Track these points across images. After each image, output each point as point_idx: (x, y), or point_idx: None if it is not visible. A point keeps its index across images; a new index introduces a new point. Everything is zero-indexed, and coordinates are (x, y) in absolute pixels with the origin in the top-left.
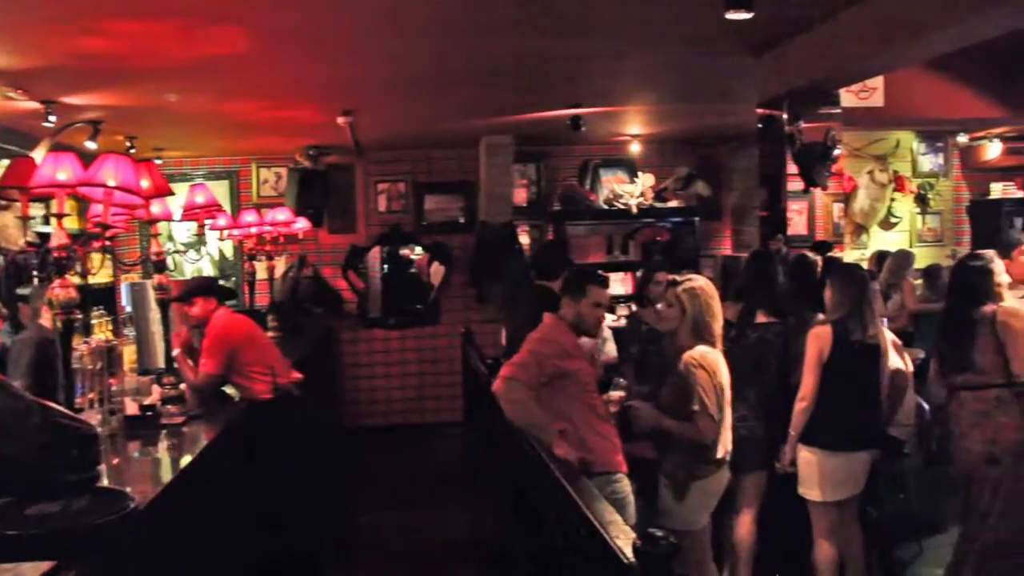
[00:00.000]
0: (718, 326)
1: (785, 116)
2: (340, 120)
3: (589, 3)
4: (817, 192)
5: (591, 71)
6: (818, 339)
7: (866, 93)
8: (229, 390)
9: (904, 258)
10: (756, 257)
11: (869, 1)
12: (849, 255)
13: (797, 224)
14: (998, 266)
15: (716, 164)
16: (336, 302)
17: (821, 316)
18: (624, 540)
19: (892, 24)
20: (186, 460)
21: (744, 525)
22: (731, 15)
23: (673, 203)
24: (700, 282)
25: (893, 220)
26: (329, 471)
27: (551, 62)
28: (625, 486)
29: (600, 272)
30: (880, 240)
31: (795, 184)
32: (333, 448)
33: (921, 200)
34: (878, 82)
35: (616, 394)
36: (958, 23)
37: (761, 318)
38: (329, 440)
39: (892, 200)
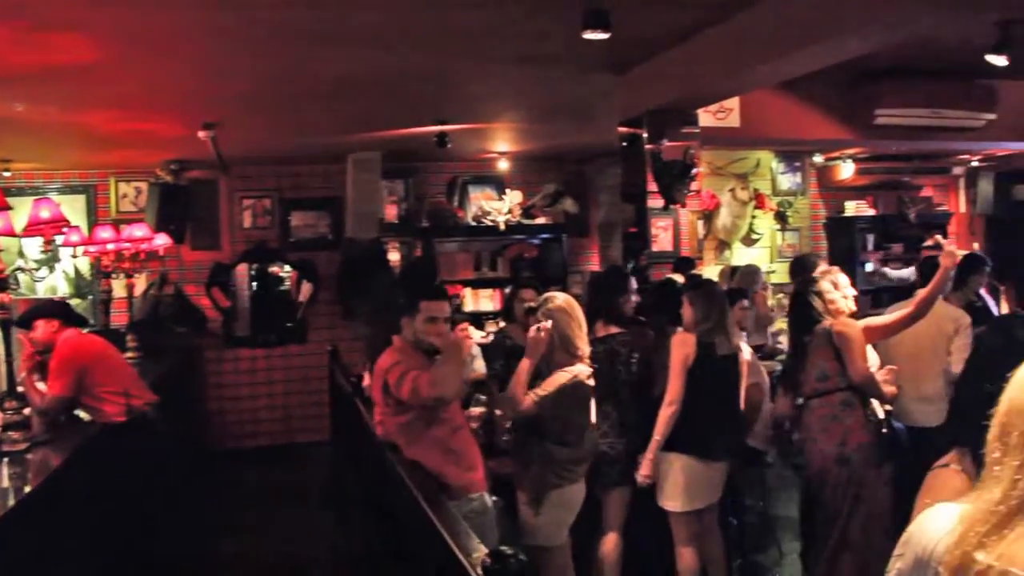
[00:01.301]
0: (583, 342)
1: (645, 135)
2: (201, 134)
3: (448, 20)
4: (682, 209)
5: (455, 88)
6: (683, 345)
7: (723, 114)
8: (82, 413)
9: (752, 273)
10: (598, 273)
11: (724, 24)
12: (712, 271)
13: (663, 241)
14: (840, 280)
15: (584, 181)
16: (200, 321)
17: (680, 329)
18: (475, 559)
19: (746, 47)
20: (29, 488)
21: (609, 542)
22: (588, 35)
23: (541, 220)
24: (560, 300)
25: (754, 236)
26: (193, 495)
27: (415, 78)
28: (484, 503)
29: (440, 285)
30: (742, 256)
31: (657, 201)
32: (198, 471)
33: (780, 217)
34: (735, 103)
35: (476, 410)
36: (806, 48)
37: (601, 330)
38: (193, 463)
39: (753, 217)
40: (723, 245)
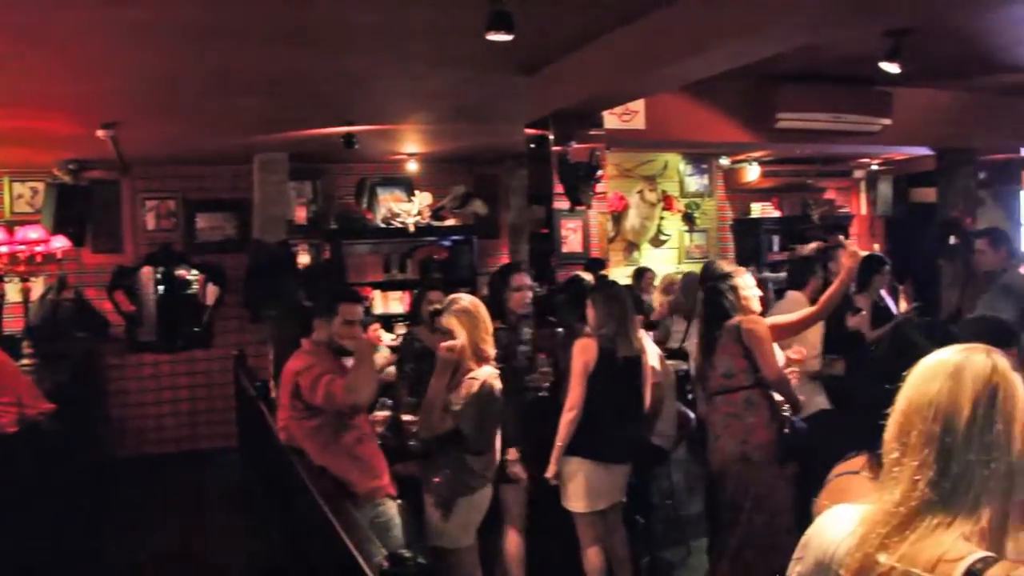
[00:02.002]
0: (489, 344)
1: (552, 137)
2: (100, 133)
3: (352, 19)
4: (592, 211)
5: (361, 88)
6: (585, 351)
7: (628, 116)
8: None
9: (643, 275)
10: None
11: (627, 27)
12: (621, 272)
13: (572, 242)
14: (746, 280)
15: (494, 183)
16: (101, 326)
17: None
18: (376, 563)
19: (649, 50)
20: None
21: (512, 539)
22: (492, 36)
23: (451, 221)
24: (465, 302)
25: (663, 238)
26: (95, 503)
27: (320, 78)
28: (390, 508)
29: (352, 288)
30: (651, 257)
31: (563, 203)
32: (100, 480)
33: (688, 219)
34: (640, 105)
35: (381, 414)
36: (708, 52)
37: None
38: (95, 471)
39: (661, 218)
40: (632, 246)
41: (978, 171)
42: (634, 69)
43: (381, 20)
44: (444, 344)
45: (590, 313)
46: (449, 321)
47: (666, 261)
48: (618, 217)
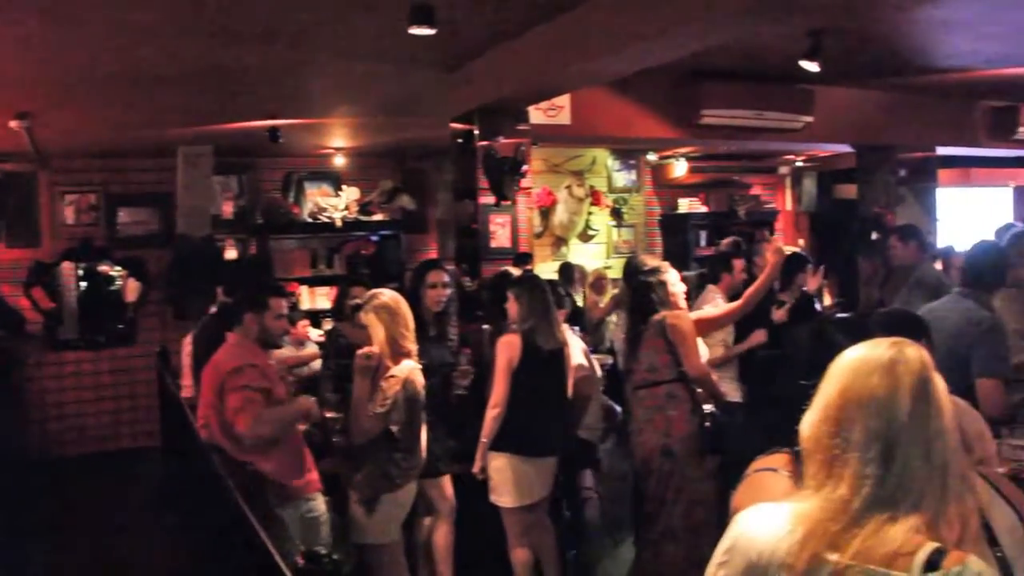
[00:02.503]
0: (410, 340)
1: (477, 131)
2: (13, 124)
3: (275, 11)
4: (520, 206)
5: (286, 82)
6: (508, 347)
7: (554, 111)
8: None
9: (572, 270)
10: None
11: (551, 22)
12: (550, 267)
13: (501, 237)
14: (671, 276)
15: (422, 178)
16: (18, 323)
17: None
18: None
19: (573, 45)
20: None
21: (439, 531)
22: (415, 31)
23: (378, 216)
24: (386, 297)
25: (591, 233)
26: (14, 508)
27: (243, 71)
28: (318, 505)
29: (277, 282)
30: (579, 252)
31: (488, 198)
32: (20, 483)
33: (616, 214)
34: (565, 101)
35: None
36: (630, 48)
37: None
38: (14, 475)
39: (590, 214)
40: (560, 242)
41: (898, 168)
42: (556, 65)
43: (303, 14)
44: (361, 351)
45: (512, 307)
46: (367, 317)
47: (594, 256)
48: (546, 212)
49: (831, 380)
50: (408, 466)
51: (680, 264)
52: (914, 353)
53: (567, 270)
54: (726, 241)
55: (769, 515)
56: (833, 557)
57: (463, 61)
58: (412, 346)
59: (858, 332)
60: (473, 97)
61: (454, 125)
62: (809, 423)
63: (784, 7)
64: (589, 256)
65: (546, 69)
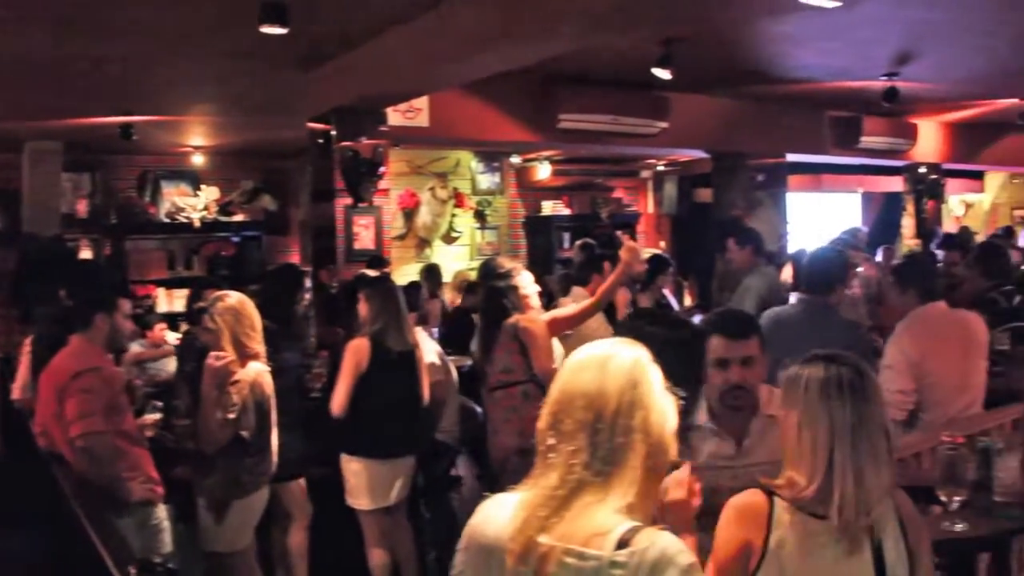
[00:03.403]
0: (257, 341)
1: (334, 132)
2: None
3: (123, 6)
4: (384, 207)
5: (138, 77)
6: (356, 351)
7: (412, 113)
8: None
9: (436, 272)
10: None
11: (408, 24)
12: (414, 268)
13: (364, 239)
14: (524, 279)
15: (284, 178)
16: None
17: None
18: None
19: (429, 47)
20: None
21: (294, 535)
22: (266, 29)
23: (239, 217)
24: (232, 299)
25: (454, 235)
26: None
27: (90, 63)
28: (160, 512)
29: (120, 282)
30: (443, 253)
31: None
32: None
33: (480, 216)
34: (424, 103)
35: (151, 418)
36: (485, 52)
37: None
38: None
39: (453, 216)
40: (423, 243)
41: (756, 173)
42: (413, 67)
43: (154, 9)
44: (212, 356)
45: (362, 309)
46: (212, 319)
47: (458, 258)
48: (409, 214)
49: (557, 378)
50: (259, 471)
51: (544, 266)
52: (628, 352)
53: (432, 272)
54: (579, 243)
55: (500, 504)
56: (543, 540)
57: (321, 61)
58: (259, 348)
59: (669, 323)
60: (330, 98)
61: (312, 125)
62: (540, 418)
63: (634, 17)
64: (453, 258)
65: (403, 71)
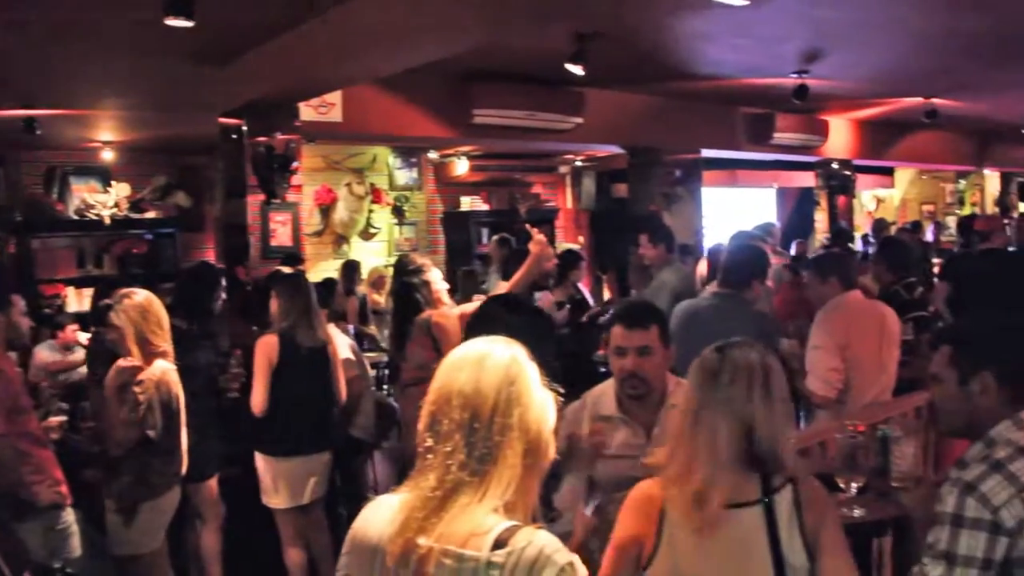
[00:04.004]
0: (163, 339)
1: (245, 128)
2: None
3: None
4: (302, 204)
5: (40, 70)
6: (266, 347)
7: (325, 108)
8: None
9: (354, 268)
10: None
11: (318, 18)
12: (332, 265)
13: (281, 235)
14: (435, 275)
15: (198, 174)
16: None
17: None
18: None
19: (340, 42)
20: None
21: (207, 536)
22: (171, 21)
23: (151, 214)
24: (140, 297)
25: (372, 231)
26: None
27: None
28: (68, 516)
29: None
30: (361, 250)
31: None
32: None
33: (398, 212)
34: (337, 98)
35: (56, 420)
36: (395, 46)
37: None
38: None
39: (371, 212)
40: (341, 240)
41: (673, 169)
42: (324, 61)
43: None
44: (120, 361)
45: (273, 306)
46: (117, 317)
47: (376, 254)
48: (326, 210)
49: (435, 378)
50: (168, 471)
51: (463, 261)
52: (504, 350)
53: (349, 268)
54: (495, 238)
55: (383, 505)
56: (422, 541)
57: (232, 56)
58: (166, 346)
59: (524, 310)
60: (241, 93)
61: (223, 120)
62: (420, 419)
63: (543, 11)
64: (371, 254)
65: (314, 65)
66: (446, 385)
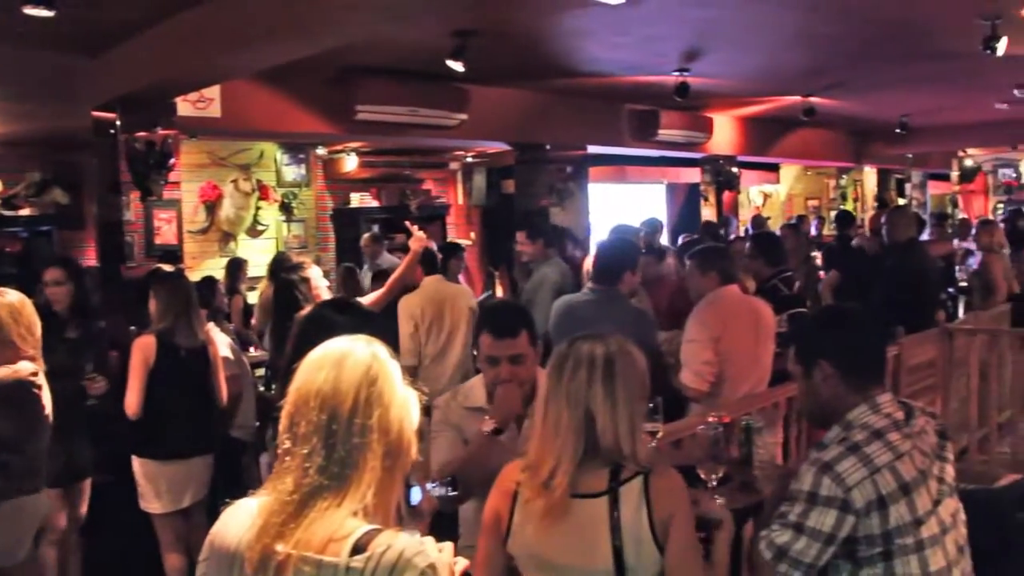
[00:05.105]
0: (27, 343)
1: (119, 122)
2: None
3: None
4: (185, 201)
5: None
6: (143, 349)
7: (203, 103)
8: None
9: (239, 266)
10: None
11: (193, 10)
12: (218, 263)
13: (166, 233)
14: (314, 272)
15: (76, 170)
16: None
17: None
18: None
19: (214, 35)
20: None
21: (68, 543)
22: (30, 11)
23: (26, 211)
24: (12, 297)
25: (260, 228)
26: None
27: None
28: None
29: None
30: (248, 247)
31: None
32: None
33: (286, 208)
34: (215, 92)
35: None
36: (271, 40)
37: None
38: None
39: (258, 208)
40: (228, 237)
41: (563, 165)
42: (199, 54)
43: None
44: None
45: (151, 305)
46: None
47: (264, 252)
48: (212, 207)
49: (294, 379)
50: (27, 472)
51: (353, 258)
52: (364, 349)
53: (234, 266)
54: (367, 234)
55: (241, 510)
56: (280, 548)
57: (103, 47)
58: (33, 351)
59: (353, 312)
60: (115, 85)
61: (96, 114)
62: (280, 420)
63: (419, 7)
64: (259, 251)
65: (188, 59)
66: (304, 386)
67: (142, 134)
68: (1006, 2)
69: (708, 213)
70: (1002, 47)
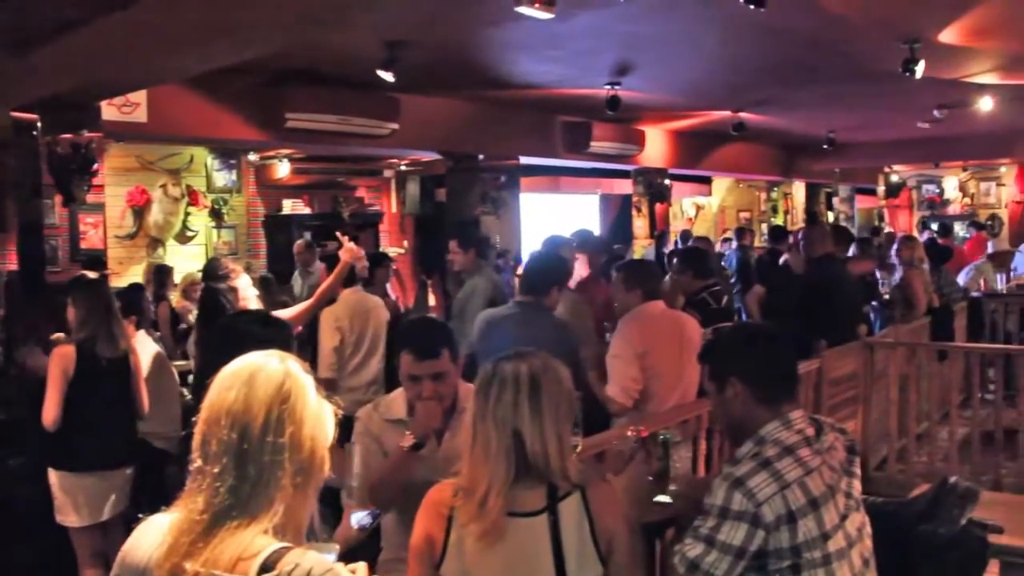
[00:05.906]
0: None
1: (40, 125)
2: None
3: None
4: (110, 205)
5: None
6: (62, 358)
7: (129, 107)
8: None
9: (166, 273)
10: None
11: (121, 13)
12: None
13: (92, 238)
14: (243, 281)
15: None
16: None
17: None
18: None
19: (139, 39)
20: None
21: None
22: None
23: None
24: None
25: (189, 234)
26: None
27: None
28: None
29: None
30: (177, 253)
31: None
32: None
33: (216, 214)
34: (142, 97)
35: None
36: (196, 46)
37: None
38: None
39: (188, 214)
40: (156, 243)
41: (497, 175)
42: (122, 59)
43: None
44: None
45: (70, 314)
46: None
47: (194, 258)
48: (140, 212)
49: (207, 396)
50: None
51: (285, 265)
52: (277, 365)
53: (159, 273)
54: (300, 241)
55: (152, 526)
56: (188, 567)
57: (27, 47)
58: None
59: (260, 320)
60: (36, 87)
61: (16, 115)
62: (193, 438)
63: (347, 17)
64: (188, 258)
65: (118, 62)
66: (215, 403)
67: (65, 137)
68: (925, 27)
69: (641, 224)
70: (920, 70)
